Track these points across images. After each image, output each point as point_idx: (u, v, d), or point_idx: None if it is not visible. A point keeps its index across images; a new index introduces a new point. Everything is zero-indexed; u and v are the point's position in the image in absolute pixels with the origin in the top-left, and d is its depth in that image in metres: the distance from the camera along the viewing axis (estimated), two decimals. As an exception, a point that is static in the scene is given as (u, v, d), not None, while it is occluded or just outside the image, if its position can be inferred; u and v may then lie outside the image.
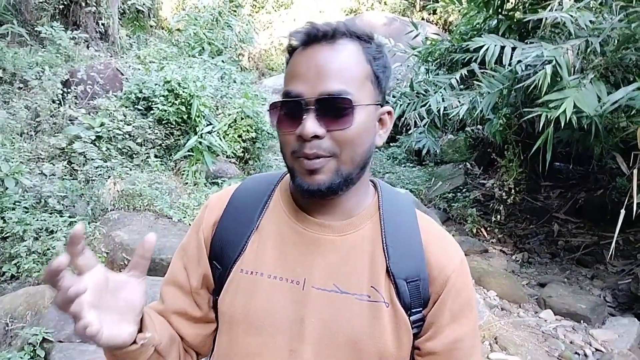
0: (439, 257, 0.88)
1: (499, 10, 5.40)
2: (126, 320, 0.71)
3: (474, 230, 5.77)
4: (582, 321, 3.99)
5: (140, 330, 0.75)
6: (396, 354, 0.84)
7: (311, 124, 0.78)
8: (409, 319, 0.84)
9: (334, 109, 0.79)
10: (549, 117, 3.61)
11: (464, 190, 6.55)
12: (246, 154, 5.89)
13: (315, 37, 0.81)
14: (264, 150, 6.29)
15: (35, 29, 6.97)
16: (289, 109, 0.81)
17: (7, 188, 3.63)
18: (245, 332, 0.86)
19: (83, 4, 7.83)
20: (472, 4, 5.83)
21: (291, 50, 0.85)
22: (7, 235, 3.42)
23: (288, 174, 0.97)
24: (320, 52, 0.81)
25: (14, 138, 4.55)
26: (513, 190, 5.53)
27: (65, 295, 0.62)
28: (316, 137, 0.78)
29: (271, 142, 6.24)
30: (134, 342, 0.73)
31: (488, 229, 5.84)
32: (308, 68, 0.80)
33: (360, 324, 0.82)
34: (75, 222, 3.69)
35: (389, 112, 0.89)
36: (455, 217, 6.18)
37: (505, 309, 4.15)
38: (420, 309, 0.86)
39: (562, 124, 3.55)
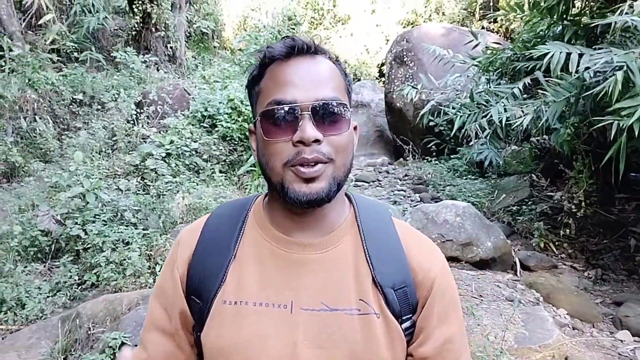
0: (421, 261, 0.89)
1: (564, 16, 5.18)
2: None
3: (542, 245, 5.51)
4: (664, 343, 3.70)
5: None
6: None
7: (311, 128, 0.78)
8: (400, 326, 0.84)
9: (330, 114, 0.80)
10: (621, 125, 3.43)
11: (530, 203, 6.27)
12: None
13: (299, 49, 0.83)
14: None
15: (111, 54, 7.55)
16: (282, 117, 0.80)
17: (88, 202, 3.93)
18: None
19: (153, 30, 8.38)
20: (535, 10, 5.64)
21: (266, 63, 0.85)
22: (88, 246, 3.70)
23: (259, 197, 0.97)
24: (306, 63, 0.83)
25: (93, 156, 4.92)
26: (584, 203, 5.23)
27: None
28: (316, 141, 0.78)
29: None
30: None
31: (557, 243, 5.56)
32: (300, 76, 0.81)
33: (354, 339, 0.81)
34: (149, 234, 3.92)
35: (355, 127, 0.90)
36: (520, 231, 5.93)
37: (576, 328, 3.93)
38: (410, 315, 0.86)
39: (637, 132, 3.37)
